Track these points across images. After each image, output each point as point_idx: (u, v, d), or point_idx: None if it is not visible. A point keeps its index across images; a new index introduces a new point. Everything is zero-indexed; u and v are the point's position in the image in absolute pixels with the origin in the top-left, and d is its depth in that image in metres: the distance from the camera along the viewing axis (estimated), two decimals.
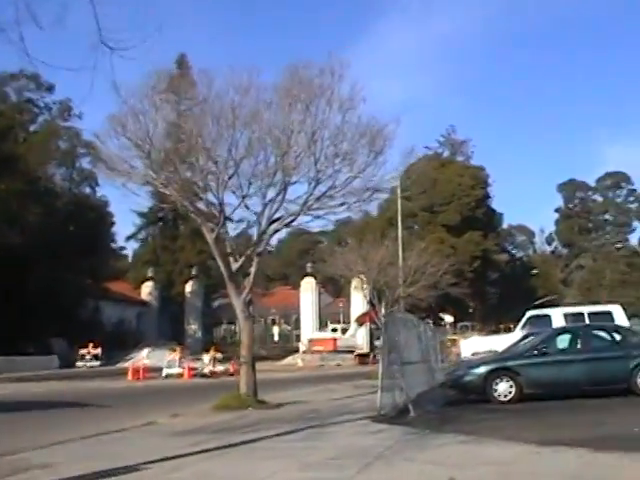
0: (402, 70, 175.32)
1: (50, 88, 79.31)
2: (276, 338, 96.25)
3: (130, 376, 44.33)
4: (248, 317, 24.24)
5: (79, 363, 57.46)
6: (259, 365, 61.68)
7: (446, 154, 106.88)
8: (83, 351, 57.30)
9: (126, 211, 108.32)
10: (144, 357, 57.76)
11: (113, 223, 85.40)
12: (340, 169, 22.74)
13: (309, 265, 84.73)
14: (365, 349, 72.49)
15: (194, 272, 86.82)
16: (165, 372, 46.28)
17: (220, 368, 48.98)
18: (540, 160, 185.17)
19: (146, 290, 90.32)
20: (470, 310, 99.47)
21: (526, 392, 21.78)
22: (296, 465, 11.94)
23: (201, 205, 23.57)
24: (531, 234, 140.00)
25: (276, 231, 24.82)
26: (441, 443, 13.71)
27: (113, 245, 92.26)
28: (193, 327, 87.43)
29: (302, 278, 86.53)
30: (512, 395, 21.66)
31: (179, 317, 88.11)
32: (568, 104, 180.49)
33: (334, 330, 76.98)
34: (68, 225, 74.74)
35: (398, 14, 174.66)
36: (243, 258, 24.27)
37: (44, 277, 65.39)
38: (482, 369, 22.48)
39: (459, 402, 22.40)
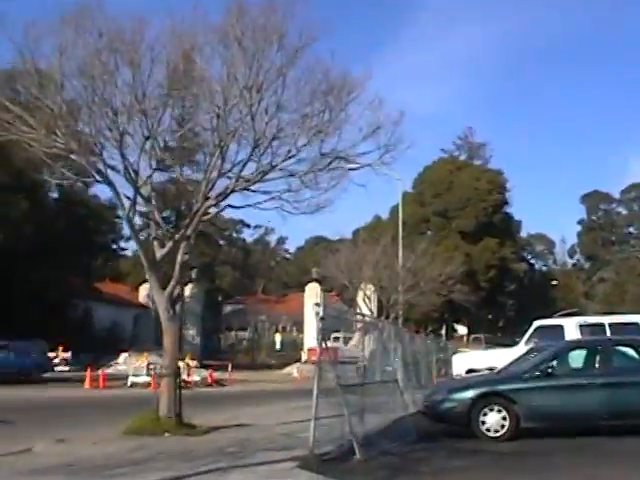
0: (423, 80, 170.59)
1: None
2: (278, 346, 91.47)
3: (87, 384, 39.12)
4: (172, 318, 19.09)
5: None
6: (259, 373, 58.52)
7: (463, 157, 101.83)
8: (51, 354, 52.14)
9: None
10: (120, 363, 52.56)
11: (114, 222, 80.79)
12: (284, 128, 17.57)
13: (315, 270, 79.64)
14: (371, 361, 67.36)
15: (194, 275, 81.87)
16: (130, 380, 41.29)
17: (195, 378, 44.22)
18: (563, 169, 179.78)
19: (144, 292, 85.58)
20: (487, 322, 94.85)
21: (524, 426, 16.48)
22: None
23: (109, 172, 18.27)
24: (551, 244, 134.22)
25: (209, 208, 19.55)
26: None
27: (115, 245, 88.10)
28: (191, 333, 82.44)
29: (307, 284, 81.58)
30: (505, 430, 16.38)
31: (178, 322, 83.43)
32: (594, 114, 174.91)
33: (336, 339, 71.82)
34: (57, 222, 70.19)
35: (421, 25, 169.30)
36: (170, 243, 19.12)
37: (28, 275, 60.84)
38: (467, 394, 17.10)
39: (434, 436, 17.19)
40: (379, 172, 19.61)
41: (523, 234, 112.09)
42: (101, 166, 17.85)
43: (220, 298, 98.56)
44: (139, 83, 16.78)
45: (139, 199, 18.89)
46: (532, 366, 17.60)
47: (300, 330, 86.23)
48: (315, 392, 13.44)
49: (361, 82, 18.48)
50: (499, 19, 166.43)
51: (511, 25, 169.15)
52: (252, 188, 19.36)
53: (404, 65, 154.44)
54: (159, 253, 19.23)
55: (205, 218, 20.29)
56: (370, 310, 48.88)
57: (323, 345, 14.22)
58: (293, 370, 64.12)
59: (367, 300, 56.18)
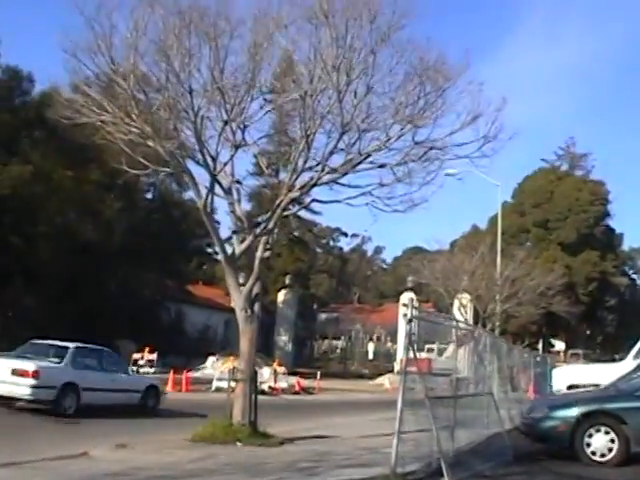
0: (523, 88, 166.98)
1: None
2: (370, 356, 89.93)
3: (170, 387, 38.00)
4: (250, 318, 17.68)
5: (132, 368, 51.53)
6: (350, 382, 57.03)
7: (564, 167, 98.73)
8: (136, 356, 51.32)
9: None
10: (207, 367, 51.60)
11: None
12: (374, 113, 16.09)
13: (410, 279, 77.90)
14: (465, 373, 65.24)
15: (288, 281, 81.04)
16: (215, 385, 40.07)
17: (283, 385, 42.84)
18: None
19: None
20: (585, 337, 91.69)
21: (635, 451, 14.63)
22: None
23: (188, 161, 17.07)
24: None
25: (293, 202, 18.19)
26: None
27: (209, 249, 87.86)
28: (283, 339, 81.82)
29: (402, 293, 79.88)
30: (613, 454, 14.63)
31: (270, 328, 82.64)
32: None
33: (429, 350, 69.92)
34: (151, 223, 70.02)
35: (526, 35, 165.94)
36: (250, 238, 17.75)
37: (120, 276, 60.70)
38: (571, 411, 15.33)
39: (532, 457, 15.48)
40: (478, 165, 17.77)
41: (625, 247, 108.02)
42: (178, 153, 16.62)
43: (315, 306, 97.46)
44: (217, 61, 15.48)
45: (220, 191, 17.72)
46: None
47: (394, 341, 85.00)
48: (399, 404, 11.89)
49: (459, 69, 16.92)
50: (606, 25, 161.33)
51: (618, 32, 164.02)
52: (340, 181, 17.97)
53: (503, 71, 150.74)
54: (238, 248, 17.97)
55: (288, 212, 18.91)
56: (465, 320, 46.97)
57: (411, 353, 12.54)
58: (385, 381, 62.80)
59: (463, 310, 54.33)
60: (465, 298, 54.91)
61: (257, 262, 17.95)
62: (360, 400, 43.08)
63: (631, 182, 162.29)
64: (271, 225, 17.81)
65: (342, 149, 16.81)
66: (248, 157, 20.26)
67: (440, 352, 65.44)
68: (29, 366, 20.66)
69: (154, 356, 51.75)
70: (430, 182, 17.75)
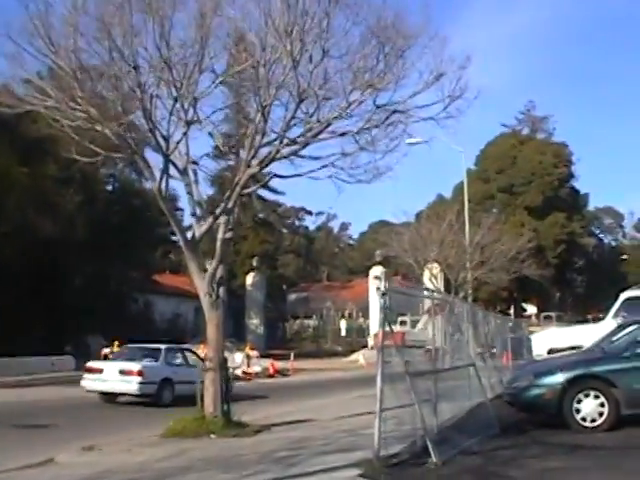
0: (482, 54, 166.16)
1: None
2: (343, 333, 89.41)
3: None
4: (215, 304, 16.84)
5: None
6: (325, 361, 56.20)
7: (526, 132, 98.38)
8: (106, 350, 50.20)
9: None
10: None
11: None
12: (332, 78, 15.27)
13: (378, 252, 77.10)
14: (439, 343, 64.70)
15: (255, 263, 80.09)
16: None
17: (256, 369, 42.13)
18: (630, 140, 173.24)
19: None
20: (555, 300, 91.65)
21: (625, 413, 14.04)
22: None
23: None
24: (620, 217, 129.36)
25: (253, 179, 17.36)
26: None
27: (174, 237, 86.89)
28: (254, 322, 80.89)
29: (370, 267, 79.16)
30: (603, 419, 13.99)
31: (240, 312, 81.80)
32: None
33: (402, 323, 69.35)
34: (112, 214, 68.84)
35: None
36: (210, 219, 16.90)
37: (84, 271, 59.57)
38: (557, 378, 14.59)
39: (520, 428, 14.81)
40: (444, 126, 16.80)
41: (591, 208, 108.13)
42: (128, 136, 15.71)
43: (284, 287, 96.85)
44: (162, 35, 14.57)
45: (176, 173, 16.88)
46: (634, 342, 15.08)
47: (366, 316, 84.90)
48: (379, 383, 11.09)
49: (419, 27, 16.07)
50: None
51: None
52: (301, 154, 17.15)
53: (462, 35, 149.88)
54: (198, 231, 17.11)
55: (248, 190, 18.06)
56: (437, 289, 46.38)
57: (386, 327, 11.79)
58: (359, 357, 62.42)
59: (434, 279, 53.65)
60: (435, 268, 54.30)
61: (219, 244, 17.06)
62: (336, 379, 42.44)
63: (594, 143, 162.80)
64: (230, 204, 16.88)
65: (301, 119, 15.98)
66: (206, 139, 19.29)
67: (413, 324, 65.25)
68: (134, 366, 25.35)
69: None
70: (394, 149, 16.96)
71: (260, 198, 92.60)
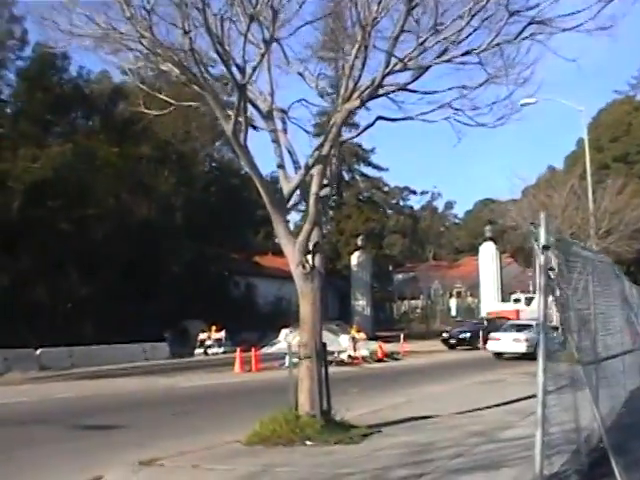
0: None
1: None
2: (453, 312, 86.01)
3: (238, 368, 34.00)
4: (309, 275, 13.39)
5: (197, 350, 47.63)
6: (435, 342, 52.86)
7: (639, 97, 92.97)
8: (203, 336, 47.69)
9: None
10: (281, 341, 47.47)
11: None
12: None
13: (488, 228, 73.02)
14: (555, 322, 60.61)
15: (360, 242, 76.88)
16: (287, 361, 35.88)
17: (364, 353, 38.91)
18: None
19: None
20: None
21: None
22: None
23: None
24: None
25: (350, 116, 13.99)
26: None
27: None
28: (361, 303, 77.78)
29: (481, 244, 75.14)
30: None
31: (346, 293, 78.87)
32: None
33: (516, 301, 65.42)
34: (210, 195, 66.93)
35: None
36: (302, 171, 13.54)
37: (182, 254, 57.57)
38: None
39: None
40: (596, 38, 12.90)
41: None
42: (193, 66, 12.51)
43: (390, 267, 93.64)
44: None
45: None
46: None
47: (475, 295, 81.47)
48: (541, 379, 7.60)
49: None
50: None
51: None
52: (411, 87, 13.73)
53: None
54: (287, 187, 13.73)
55: (345, 138, 14.70)
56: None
57: (550, 296, 8.18)
58: None
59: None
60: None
61: (312, 201, 13.51)
62: (450, 361, 39.53)
63: None
64: (325, 150, 13.41)
65: (409, 31, 12.44)
66: (295, 90, 15.97)
67: (527, 302, 61.03)
68: (522, 336, 37.16)
69: (222, 334, 48.18)
70: (528, 80, 13.38)
71: (364, 175, 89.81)
